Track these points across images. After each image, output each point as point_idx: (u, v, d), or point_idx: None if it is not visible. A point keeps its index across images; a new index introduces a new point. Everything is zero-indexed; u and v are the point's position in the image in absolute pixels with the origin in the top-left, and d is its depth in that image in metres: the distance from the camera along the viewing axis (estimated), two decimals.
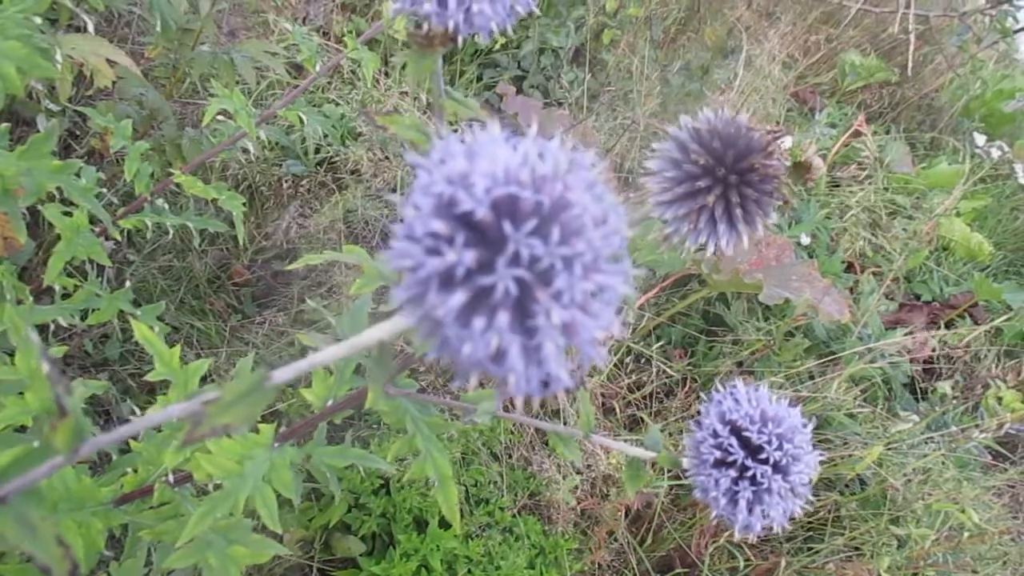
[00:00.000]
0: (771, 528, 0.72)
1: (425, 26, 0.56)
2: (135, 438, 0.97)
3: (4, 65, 0.77)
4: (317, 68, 1.28)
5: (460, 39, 0.57)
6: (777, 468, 0.72)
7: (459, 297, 0.35)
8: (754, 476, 0.71)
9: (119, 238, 1.19)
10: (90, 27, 1.29)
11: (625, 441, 2.12)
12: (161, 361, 0.79)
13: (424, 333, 0.38)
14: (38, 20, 0.84)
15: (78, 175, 1.03)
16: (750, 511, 0.71)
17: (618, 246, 0.39)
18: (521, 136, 0.40)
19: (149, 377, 0.80)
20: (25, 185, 0.84)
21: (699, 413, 0.77)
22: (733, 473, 0.72)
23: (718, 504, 0.72)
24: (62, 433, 0.42)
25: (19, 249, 1.47)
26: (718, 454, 0.73)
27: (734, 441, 0.73)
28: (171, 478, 0.81)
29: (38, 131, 1.80)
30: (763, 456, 0.71)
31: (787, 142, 2.85)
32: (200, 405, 0.42)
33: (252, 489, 0.73)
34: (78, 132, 2.15)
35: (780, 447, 0.71)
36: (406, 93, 2.61)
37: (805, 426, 0.74)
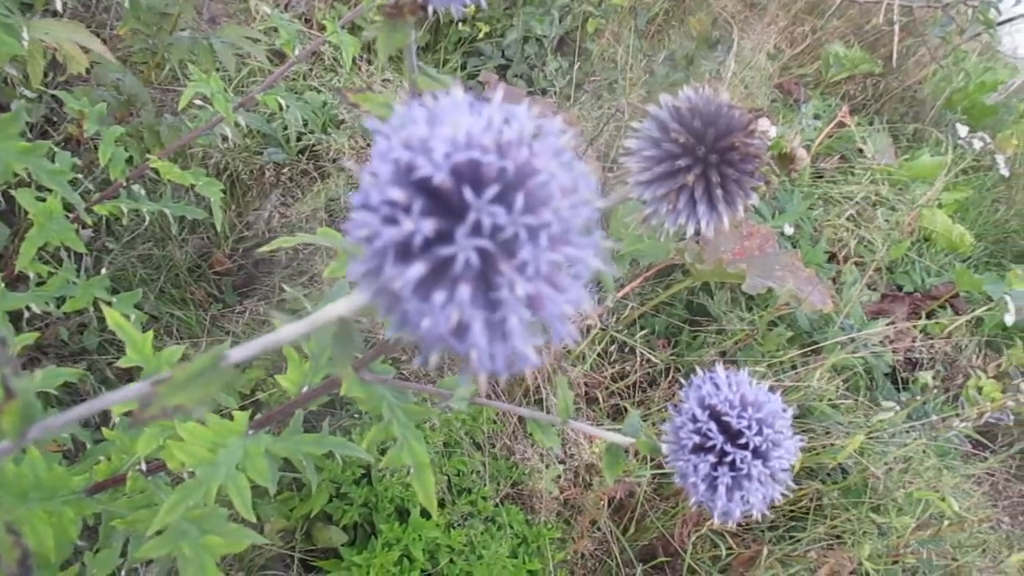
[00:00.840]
0: (751, 514, 0.71)
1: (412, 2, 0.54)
2: (87, 423, 0.95)
3: None
4: (296, 52, 1.26)
5: (430, 8, 0.55)
6: (757, 453, 0.71)
7: (417, 269, 0.34)
8: (733, 461, 0.70)
9: (90, 223, 1.17)
10: (58, 7, 1.27)
11: (608, 430, 2.12)
12: (133, 348, 0.77)
13: (383, 308, 0.36)
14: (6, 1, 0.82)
15: (52, 159, 1.01)
16: (729, 497, 0.70)
17: (588, 217, 0.37)
18: (486, 103, 0.38)
19: (121, 363, 0.78)
20: None
21: (680, 399, 0.76)
22: (712, 459, 0.71)
23: (697, 490, 0.71)
24: (8, 416, 0.40)
25: None
26: (697, 439, 0.72)
27: (713, 426, 0.72)
28: (143, 467, 0.80)
29: None
30: (743, 441, 0.71)
31: (772, 132, 2.86)
32: (150, 386, 0.40)
33: (225, 478, 0.71)
34: (55, 119, 2.11)
35: (760, 432, 0.71)
36: (389, 80, 2.59)
37: (785, 411, 0.73)
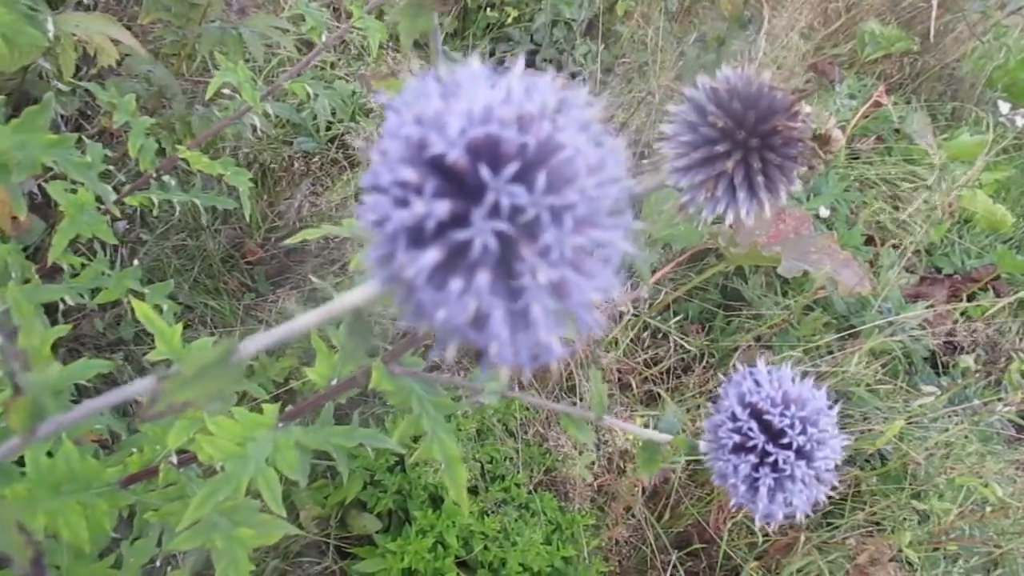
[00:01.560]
0: (793, 516, 0.68)
1: None
2: (125, 413, 0.95)
3: None
4: (323, 39, 1.26)
5: None
6: (800, 453, 0.68)
7: (432, 255, 0.31)
8: (775, 462, 0.67)
9: (118, 215, 1.17)
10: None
11: (641, 417, 2.10)
12: (162, 340, 0.77)
13: (398, 297, 0.34)
14: None
15: (83, 151, 1.02)
16: (771, 499, 0.67)
17: (618, 197, 0.34)
18: (506, 75, 0.35)
19: (150, 357, 0.78)
20: (20, 159, 0.82)
21: (717, 393, 0.73)
22: (753, 459, 0.68)
23: (737, 491, 0.68)
24: (17, 413, 0.39)
25: (27, 229, 1.47)
26: (737, 438, 0.69)
27: (754, 425, 0.69)
28: (175, 459, 0.80)
29: None
30: (785, 441, 0.67)
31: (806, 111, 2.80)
32: (158, 381, 0.39)
33: (254, 472, 0.71)
34: (89, 112, 2.13)
35: (804, 431, 0.67)
36: (414, 69, 2.58)
37: (831, 408, 0.70)
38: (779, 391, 0.69)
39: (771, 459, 0.68)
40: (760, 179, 0.51)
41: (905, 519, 2.01)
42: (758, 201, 0.52)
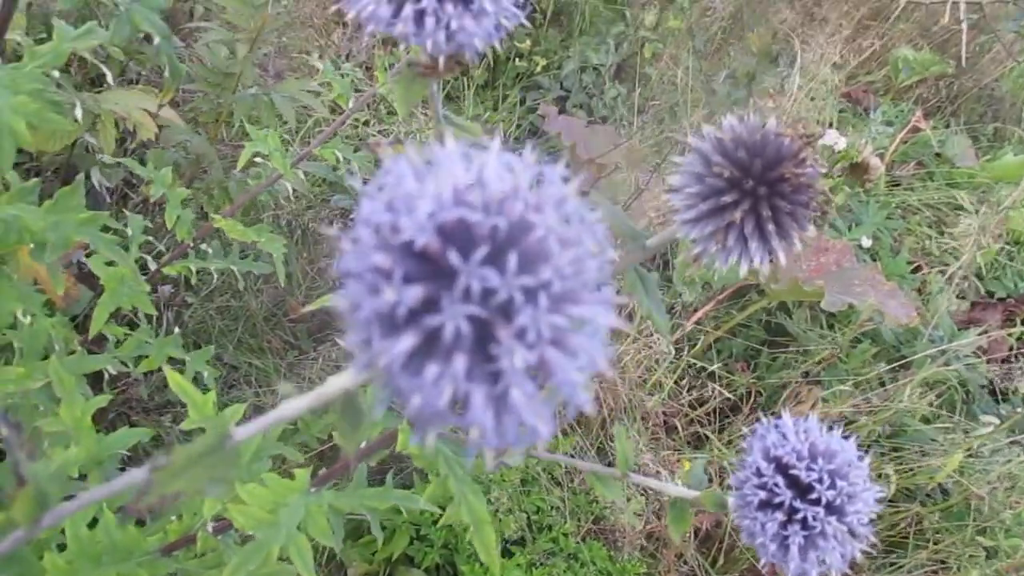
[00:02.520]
0: (828, 574, 0.65)
1: (424, 54, 0.53)
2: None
3: (14, 120, 0.79)
4: (351, 104, 1.29)
5: (467, 60, 0.53)
6: (831, 509, 0.65)
7: (406, 342, 0.31)
8: (805, 519, 0.64)
9: (149, 288, 1.20)
10: (110, 79, 1.32)
11: (689, 461, 2.06)
12: (195, 408, 0.78)
13: (379, 383, 0.33)
14: (56, 74, 0.86)
15: (119, 227, 1.05)
16: (803, 557, 0.64)
17: (596, 271, 0.33)
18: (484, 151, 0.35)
19: (184, 426, 0.79)
20: (52, 239, 0.85)
21: (744, 448, 0.71)
22: (780, 516, 0.65)
23: (767, 551, 0.65)
24: (20, 504, 0.39)
25: (76, 299, 1.51)
26: (763, 495, 0.67)
27: (780, 480, 0.66)
28: (210, 527, 0.81)
29: (92, 184, 1.86)
30: (814, 496, 0.65)
31: (841, 143, 2.78)
32: (150, 471, 0.39)
33: (286, 539, 0.71)
34: (134, 182, 2.20)
35: (833, 485, 0.65)
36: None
37: (861, 459, 0.67)
38: (806, 443, 0.67)
39: (800, 516, 0.65)
40: (771, 227, 0.50)
41: (971, 556, 1.93)
42: (771, 249, 0.51)
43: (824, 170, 0.49)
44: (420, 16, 0.52)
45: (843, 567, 0.65)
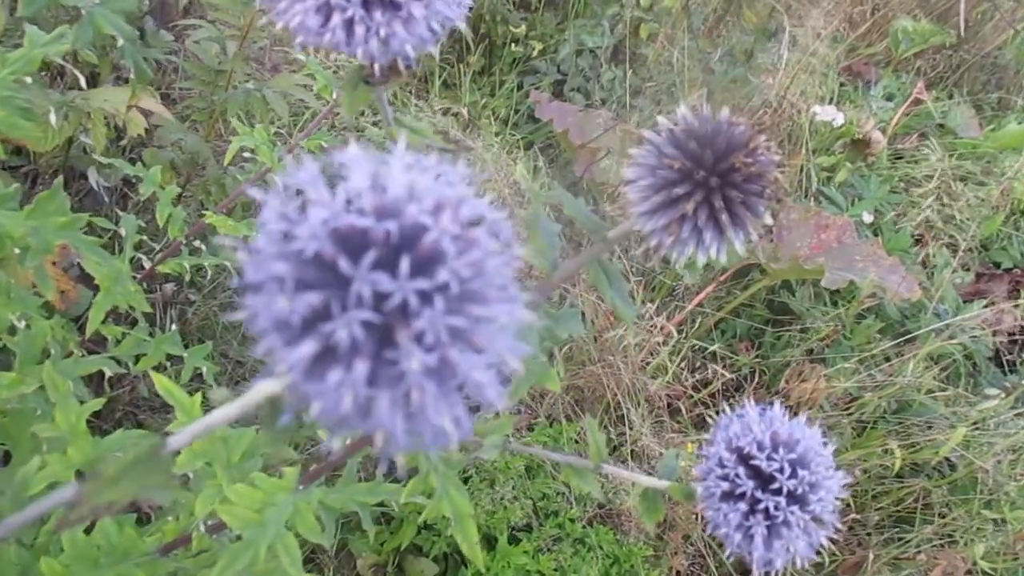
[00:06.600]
0: (794, 563, 0.65)
1: (370, 64, 0.52)
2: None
3: None
4: (334, 96, 1.29)
5: (404, 69, 0.53)
6: (793, 498, 0.65)
7: (305, 349, 0.31)
8: (767, 509, 0.64)
9: (135, 288, 1.20)
10: (82, 82, 1.33)
11: (693, 442, 2.07)
12: (183, 411, 0.79)
13: (290, 390, 0.33)
14: (28, 80, 0.86)
15: (116, 223, 1.05)
16: (768, 547, 0.64)
17: (502, 269, 0.33)
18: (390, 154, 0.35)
19: (170, 428, 0.80)
20: (33, 244, 0.85)
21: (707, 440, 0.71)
22: (743, 507, 0.65)
23: (732, 541, 0.65)
24: None
25: (75, 300, 1.52)
26: (725, 486, 0.66)
27: (741, 471, 0.66)
28: (202, 526, 0.81)
29: (89, 184, 1.86)
30: (775, 486, 0.65)
31: (839, 119, 2.76)
32: (79, 484, 0.39)
33: (273, 538, 0.71)
34: (134, 181, 2.21)
35: (794, 474, 0.64)
36: (447, 111, 2.62)
37: (825, 446, 0.67)
38: (767, 433, 0.67)
39: (762, 506, 0.65)
40: (725, 217, 0.50)
41: (978, 529, 1.93)
42: (726, 239, 0.51)
43: (777, 157, 0.49)
44: (349, 25, 0.51)
45: (810, 555, 0.65)
